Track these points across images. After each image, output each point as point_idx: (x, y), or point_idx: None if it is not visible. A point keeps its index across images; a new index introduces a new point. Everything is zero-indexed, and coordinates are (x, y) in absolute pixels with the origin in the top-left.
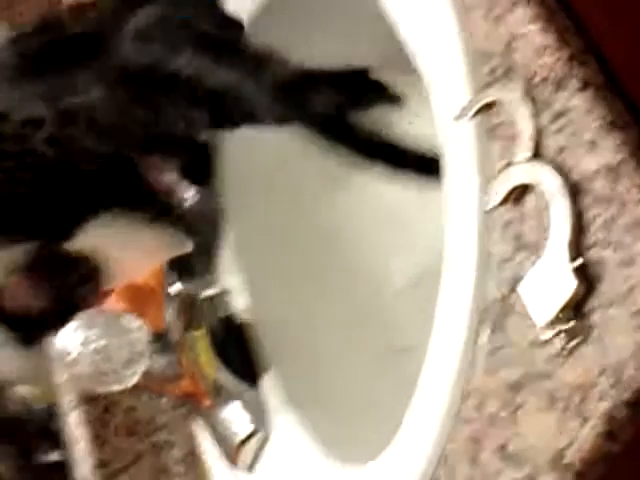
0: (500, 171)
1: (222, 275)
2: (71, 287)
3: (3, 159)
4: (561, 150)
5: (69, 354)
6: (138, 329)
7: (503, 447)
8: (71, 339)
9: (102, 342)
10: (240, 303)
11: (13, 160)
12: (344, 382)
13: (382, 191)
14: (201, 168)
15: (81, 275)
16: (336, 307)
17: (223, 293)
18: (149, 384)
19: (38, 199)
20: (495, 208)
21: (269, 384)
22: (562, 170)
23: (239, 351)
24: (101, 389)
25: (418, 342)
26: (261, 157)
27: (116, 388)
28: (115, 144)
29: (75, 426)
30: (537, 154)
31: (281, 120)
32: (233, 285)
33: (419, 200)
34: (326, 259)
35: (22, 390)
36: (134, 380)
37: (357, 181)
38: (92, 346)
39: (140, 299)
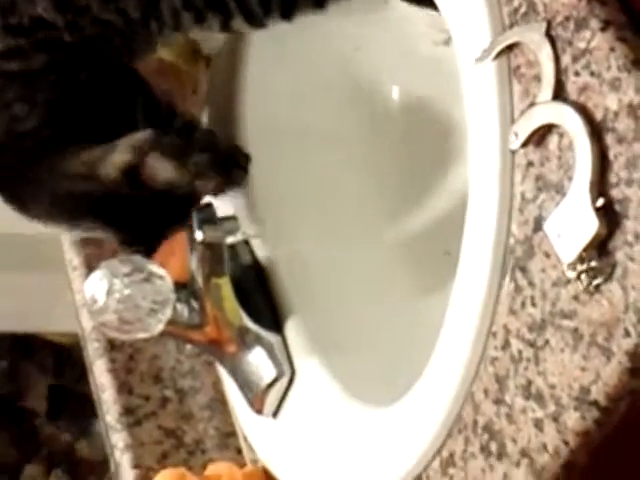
0: (522, 112)
1: (245, 221)
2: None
3: None
4: (583, 90)
5: (96, 302)
6: (162, 277)
7: (528, 386)
8: (97, 288)
9: (126, 291)
10: (263, 249)
11: None
12: (367, 325)
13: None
14: None
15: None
16: (360, 250)
17: (246, 239)
18: (174, 331)
19: None
20: (517, 149)
21: (292, 329)
22: (584, 110)
23: (262, 297)
24: (127, 337)
25: (443, 283)
26: (283, 104)
27: (141, 336)
28: None
29: (101, 374)
30: (559, 94)
31: None
32: (256, 231)
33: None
34: (350, 202)
35: None
36: (159, 328)
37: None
38: (117, 295)
39: (163, 246)
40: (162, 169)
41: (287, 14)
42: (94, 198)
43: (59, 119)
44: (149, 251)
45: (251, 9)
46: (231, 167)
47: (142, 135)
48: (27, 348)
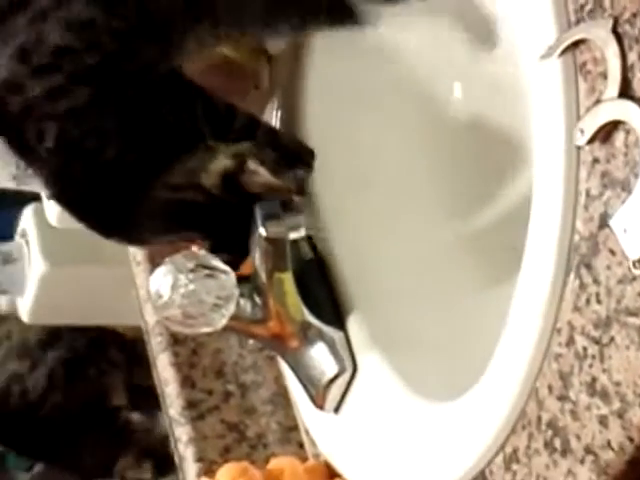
0: (588, 109)
1: (308, 217)
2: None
3: None
4: None
5: (161, 298)
6: (226, 273)
7: (592, 383)
8: (162, 283)
9: (191, 286)
10: (325, 245)
11: None
12: (430, 320)
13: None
14: None
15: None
16: (422, 245)
17: (309, 235)
18: (236, 326)
19: None
20: (583, 146)
21: (354, 325)
22: None
23: (325, 292)
24: (190, 331)
25: (506, 278)
26: (347, 101)
27: (205, 331)
28: None
29: (164, 368)
30: (625, 92)
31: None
32: (319, 227)
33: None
34: (413, 197)
35: None
36: (222, 323)
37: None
38: (181, 290)
39: None
40: (260, 173)
41: None
42: (195, 207)
43: (135, 141)
44: (240, 258)
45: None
46: (296, 164)
47: (242, 144)
48: (100, 345)
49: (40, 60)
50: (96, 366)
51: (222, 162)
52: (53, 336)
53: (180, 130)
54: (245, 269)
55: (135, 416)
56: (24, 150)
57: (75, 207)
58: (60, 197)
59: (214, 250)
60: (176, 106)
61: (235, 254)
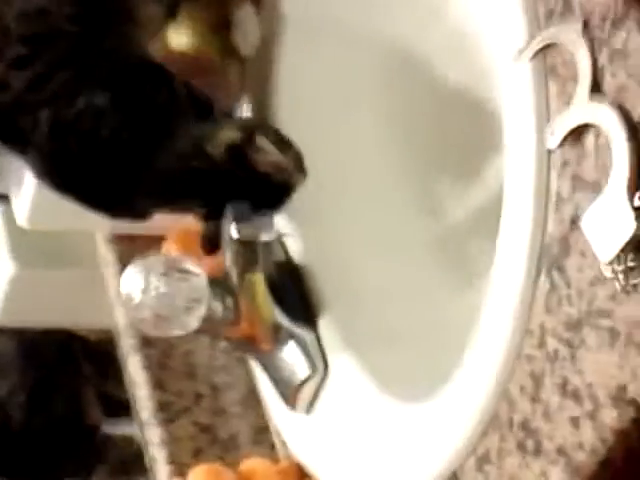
0: (559, 111)
1: (278, 219)
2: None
3: None
4: (620, 90)
5: (132, 300)
6: (197, 275)
7: (564, 384)
8: (133, 285)
9: (162, 289)
10: (296, 246)
11: None
12: (401, 321)
13: None
14: None
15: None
16: (393, 246)
17: (280, 237)
18: (208, 328)
19: None
20: (554, 148)
21: (326, 326)
22: (622, 110)
23: (296, 294)
24: (162, 334)
25: (477, 279)
26: (316, 101)
27: (177, 333)
28: None
29: (135, 370)
30: (596, 94)
31: None
32: (290, 228)
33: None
34: (384, 199)
35: None
36: (195, 325)
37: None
38: (153, 292)
39: (196, 243)
40: (268, 151)
41: None
42: (198, 175)
43: (127, 115)
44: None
45: None
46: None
47: (249, 118)
48: (69, 356)
49: (12, 54)
50: (68, 382)
51: (229, 133)
52: (20, 348)
53: (169, 104)
54: (216, 271)
55: (110, 429)
56: (16, 142)
57: (76, 190)
58: (60, 182)
59: (209, 217)
60: (158, 83)
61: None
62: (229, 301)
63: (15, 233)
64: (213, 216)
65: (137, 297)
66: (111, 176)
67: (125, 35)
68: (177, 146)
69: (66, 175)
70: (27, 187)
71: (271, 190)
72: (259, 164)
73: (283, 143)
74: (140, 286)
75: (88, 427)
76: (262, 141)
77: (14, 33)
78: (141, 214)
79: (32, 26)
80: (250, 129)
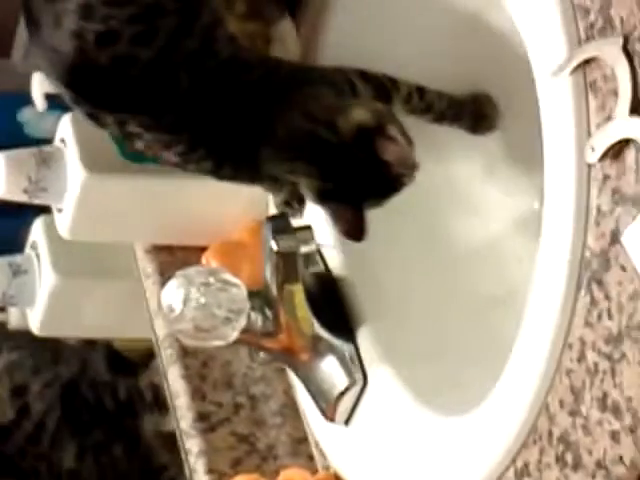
0: (599, 126)
1: (318, 231)
2: None
3: None
4: None
5: (173, 311)
6: (237, 286)
7: (604, 398)
8: (174, 297)
9: (202, 300)
10: (336, 258)
11: None
12: (440, 333)
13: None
14: None
15: None
16: (432, 258)
17: (319, 249)
18: (247, 339)
19: None
20: (594, 163)
21: (365, 338)
22: None
23: (335, 306)
24: (202, 345)
25: (514, 293)
26: None
27: (216, 344)
28: None
29: (175, 380)
30: (637, 109)
31: None
32: (328, 241)
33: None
34: (420, 213)
35: None
36: (234, 336)
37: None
38: (193, 304)
39: (235, 254)
40: (398, 141)
41: None
42: (323, 144)
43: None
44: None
45: None
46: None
47: (382, 105)
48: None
49: (131, 31)
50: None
51: (360, 113)
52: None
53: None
54: (255, 282)
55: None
56: (153, 109)
57: (205, 142)
58: (193, 137)
59: (324, 196)
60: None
61: (343, 205)
62: (269, 313)
63: (56, 244)
64: (329, 195)
65: (178, 308)
66: (244, 123)
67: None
68: (309, 108)
69: (202, 126)
70: (69, 199)
71: (383, 181)
72: (386, 152)
73: (407, 138)
74: (181, 297)
75: (157, 468)
76: (393, 130)
77: (125, 13)
78: (259, 176)
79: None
80: (382, 116)
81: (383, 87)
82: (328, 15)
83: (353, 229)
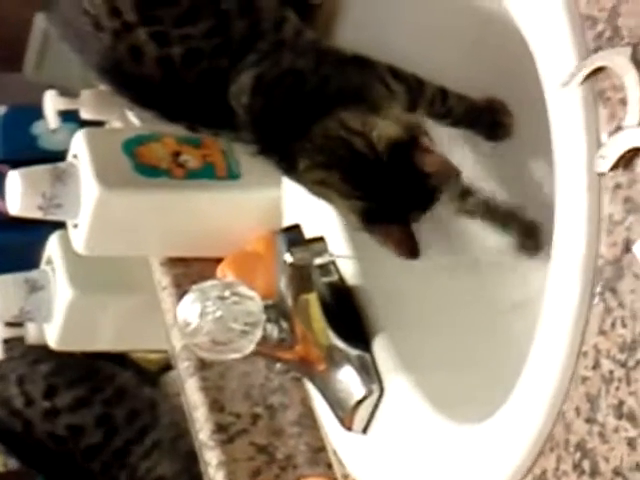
0: (609, 135)
1: (331, 242)
2: None
3: None
4: None
5: (189, 325)
6: (252, 299)
7: (619, 405)
8: (190, 311)
9: (218, 313)
10: (350, 268)
11: None
12: (456, 342)
13: None
14: None
15: None
16: (448, 267)
17: (333, 259)
18: (264, 351)
19: None
20: (605, 172)
21: (381, 347)
22: None
23: (350, 316)
24: (219, 358)
25: (529, 302)
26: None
27: (233, 357)
28: None
29: (193, 392)
30: None
31: None
32: (342, 251)
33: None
34: (435, 222)
35: None
36: (250, 348)
37: None
38: (209, 317)
39: (250, 265)
40: (435, 152)
41: None
42: (359, 157)
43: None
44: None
45: None
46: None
47: (408, 115)
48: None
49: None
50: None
51: (391, 127)
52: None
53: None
54: (269, 293)
55: None
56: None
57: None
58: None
59: (369, 219)
60: None
61: (389, 225)
62: (284, 324)
63: (72, 259)
64: (373, 216)
65: (194, 322)
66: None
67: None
68: (342, 116)
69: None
70: (83, 214)
71: (423, 192)
72: (427, 164)
73: (436, 146)
74: (197, 312)
75: None
76: (428, 142)
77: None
78: (294, 169)
79: None
80: (412, 128)
81: (412, 90)
82: (344, 13)
83: (406, 247)
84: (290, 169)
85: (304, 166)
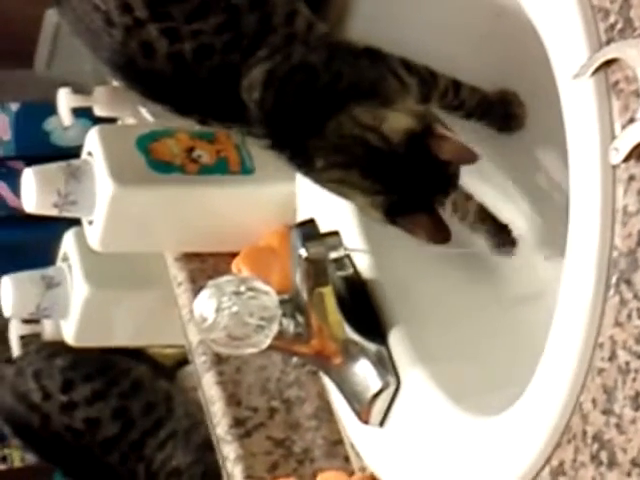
0: (622, 127)
1: (346, 236)
2: None
3: None
4: None
5: (205, 321)
6: (267, 293)
7: (636, 396)
8: (206, 306)
9: (234, 309)
10: (365, 261)
11: None
12: (472, 334)
13: None
14: None
15: None
16: (462, 258)
17: (348, 253)
18: (280, 345)
19: None
20: (619, 164)
21: (396, 340)
22: None
23: (366, 309)
24: (235, 353)
25: (545, 293)
26: None
27: (250, 351)
28: None
29: (210, 387)
30: None
31: None
32: (357, 245)
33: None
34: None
35: None
36: (267, 343)
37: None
38: (225, 313)
39: (265, 260)
40: (451, 138)
41: None
42: (376, 153)
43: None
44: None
45: None
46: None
47: (419, 105)
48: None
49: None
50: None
51: (403, 119)
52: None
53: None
54: (284, 287)
55: None
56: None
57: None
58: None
59: (393, 211)
60: None
61: (414, 214)
62: (300, 318)
63: (88, 256)
64: (396, 209)
65: (210, 318)
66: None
67: None
68: (355, 113)
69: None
70: (98, 211)
71: (442, 178)
72: (445, 152)
73: (452, 131)
74: (213, 307)
75: None
76: (442, 129)
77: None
78: (310, 166)
79: None
80: (425, 116)
81: (424, 82)
82: (355, 6)
83: (436, 232)
84: (304, 166)
85: (321, 165)
